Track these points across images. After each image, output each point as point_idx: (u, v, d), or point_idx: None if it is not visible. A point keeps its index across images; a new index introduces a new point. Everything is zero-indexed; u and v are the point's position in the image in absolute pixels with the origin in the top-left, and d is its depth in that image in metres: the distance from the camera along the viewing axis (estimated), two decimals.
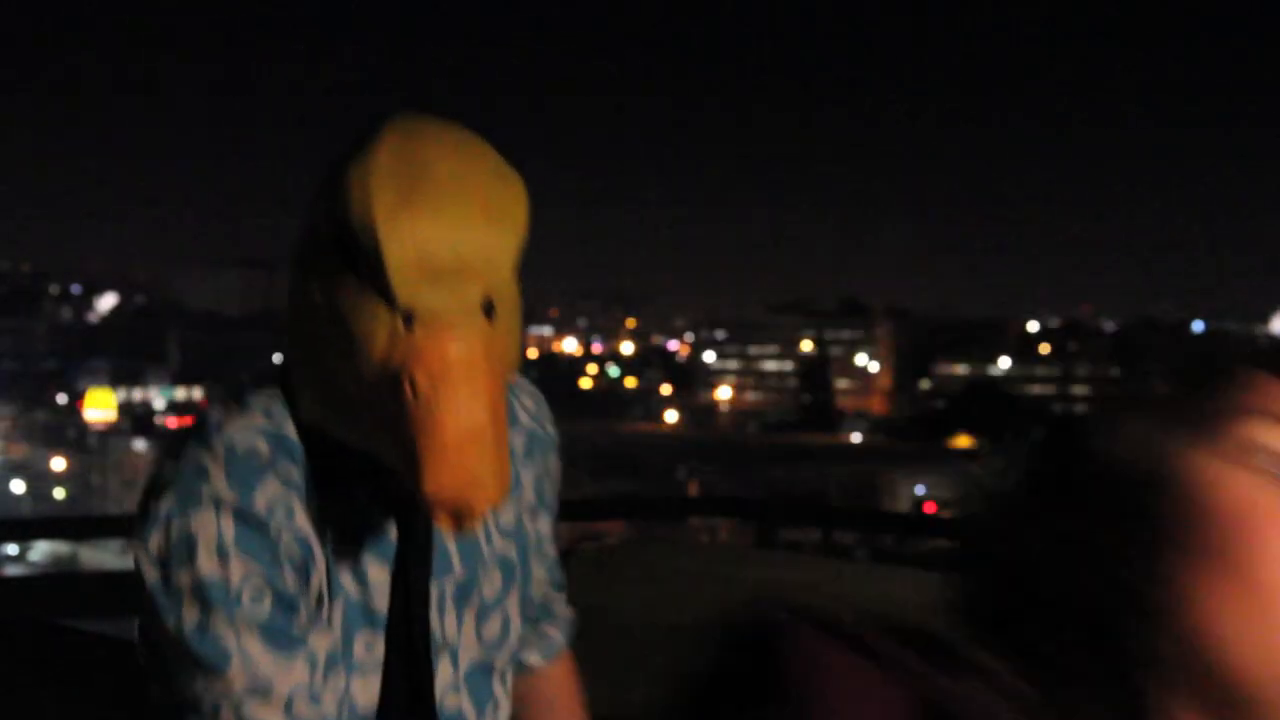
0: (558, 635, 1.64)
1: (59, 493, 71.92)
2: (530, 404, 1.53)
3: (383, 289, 1.19)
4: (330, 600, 1.31)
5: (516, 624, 1.48)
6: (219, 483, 1.28)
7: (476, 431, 1.18)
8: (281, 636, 1.27)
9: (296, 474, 1.30)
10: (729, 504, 7.58)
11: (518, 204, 1.25)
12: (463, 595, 1.41)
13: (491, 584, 1.44)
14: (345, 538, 1.32)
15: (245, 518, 1.27)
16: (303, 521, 1.30)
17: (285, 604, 1.28)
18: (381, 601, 1.34)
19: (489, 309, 1.21)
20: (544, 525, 1.54)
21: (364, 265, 1.20)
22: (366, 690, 1.34)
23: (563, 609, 1.65)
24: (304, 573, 1.30)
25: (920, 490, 57.34)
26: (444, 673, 1.40)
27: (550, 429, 1.54)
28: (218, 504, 1.27)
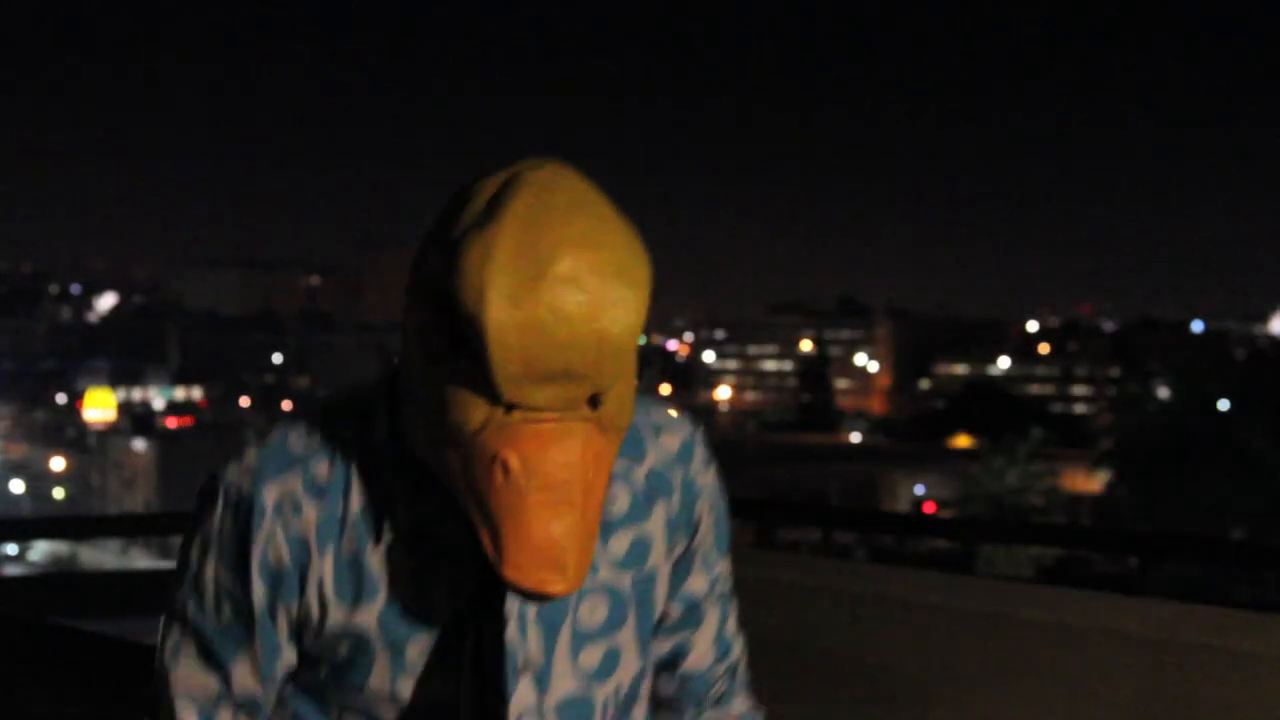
0: None
1: (58, 492, 71.81)
2: (673, 444, 1.45)
3: (486, 380, 1.18)
4: (329, 603, 1.32)
5: (633, 663, 1.42)
6: (239, 473, 1.33)
7: (564, 531, 1.20)
8: (224, 643, 1.33)
9: (329, 472, 1.32)
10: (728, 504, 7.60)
11: (638, 294, 1.21)
12: (550, 618, 1.36)
13: (593, 612, 1.38)
14: (405, 545, 1.32)
15: (241, 511, 1.32)
16: (309, 523, 1.31)
17: (237, 611, 1.32)
18: (433, 609, 1.32)
19: (594, 401, 1.22)
20: (695, 582, 1.48)
21: (471, 348, 1.18)
22: (424, 691, 1.33)
23: (743, 705, 1.55)
24: (286, 577, 1.31)
25: (920, 490, 57.26)
26: (524, 695, 1.35)
27: (700, 477, 1.46)
28: (226, 494, 1.33)
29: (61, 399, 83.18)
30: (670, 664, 1.51)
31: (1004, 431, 47.07)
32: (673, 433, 1.46)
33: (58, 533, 13.86)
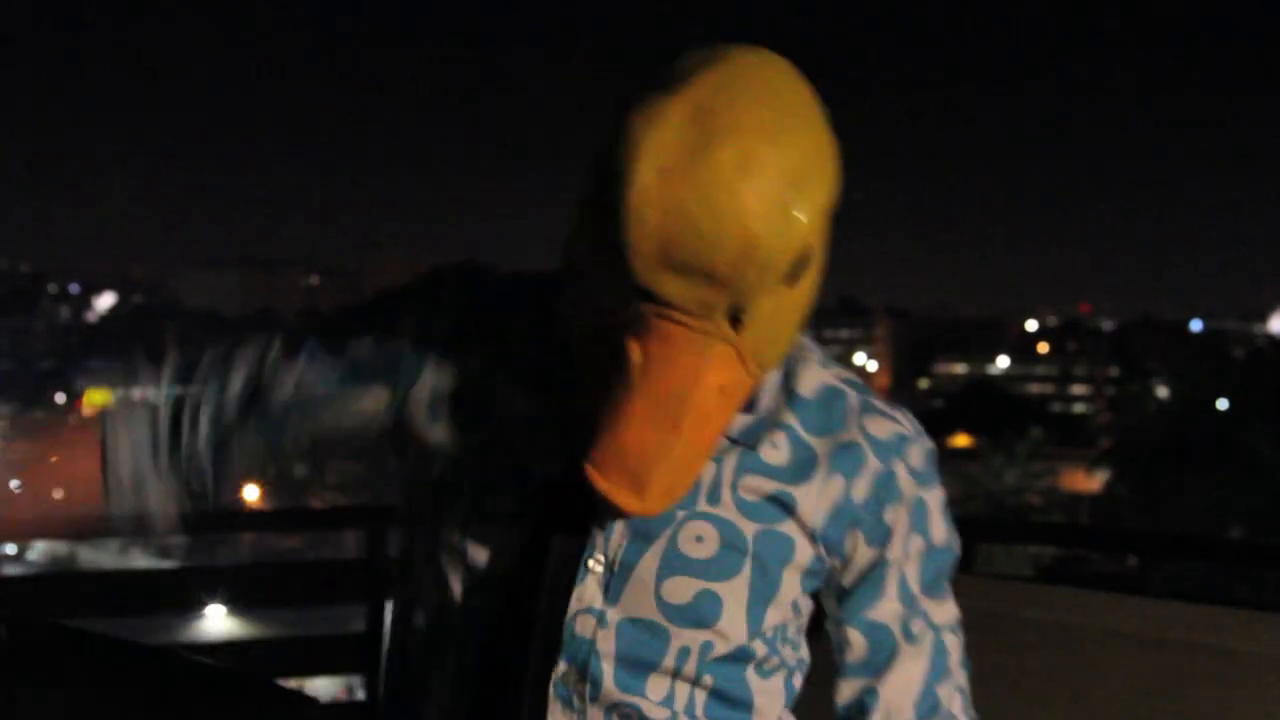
0: None
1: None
2: (884, 431, 1.29)
3: (621, 257, 1.08)
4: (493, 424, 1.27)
5: (737, 629, 1.23)
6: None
7: (656, 446, 1.10)
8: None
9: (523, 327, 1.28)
10: None
11: (808, 207, 1.09)
12: (643, 525, 1.21)
13: (700, 543, 1.21)
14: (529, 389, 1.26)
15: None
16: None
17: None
18: (525, 472, 1.24)
19: (735, 318, 1.11)
20: (885, 609, 1.28)
21: (610, 226, 1.08)
22: (489, 551, 1.24)
23: None
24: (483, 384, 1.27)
25: None
26: (589, 590, 1.22)
27: (908, 483, 1.28)
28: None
29: (60, 398, 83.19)
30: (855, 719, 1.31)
31: (1003, 431, 47.05)
32: (890, 422, 1.30)
33: (56, 532, 13.85)
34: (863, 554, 1.27)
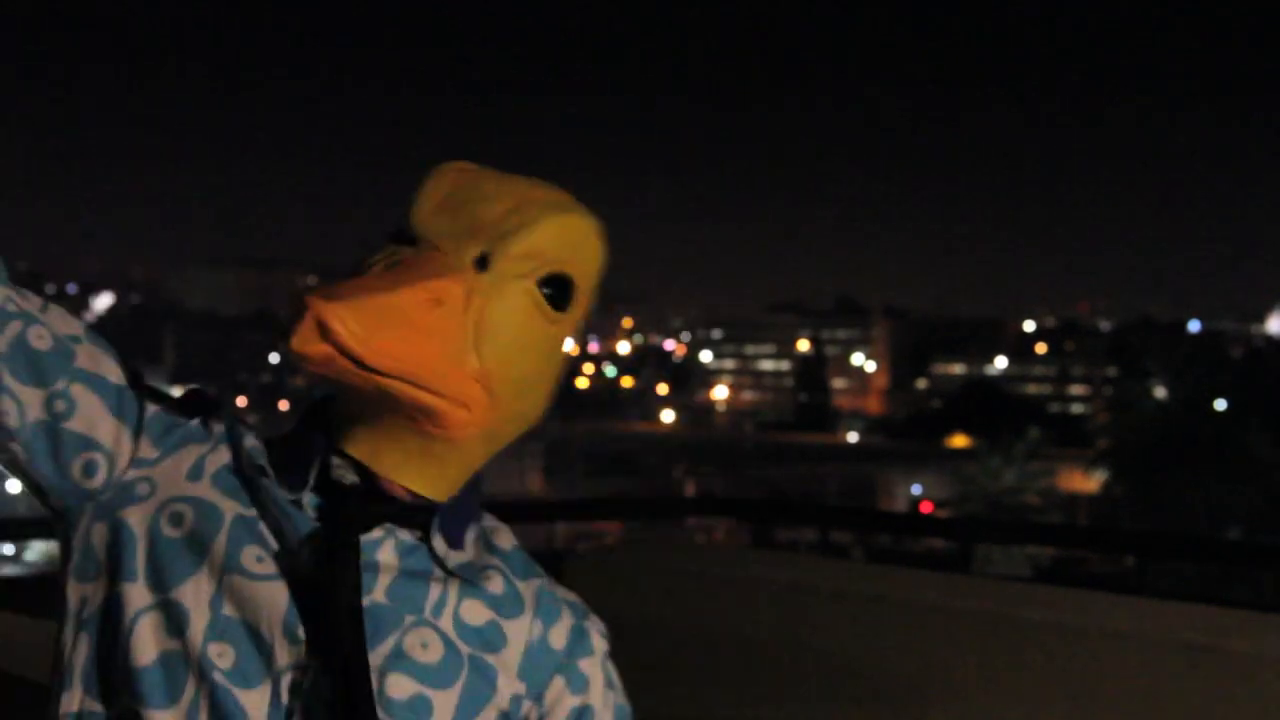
0: None
1: None
2: (571, 598, 1.39)
3: (409, 206, 1.27)
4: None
5: None
6: None
7: (374, 287, 1.18)
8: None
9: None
10: (726, 504, 7.60)
11: (578, 223, 1.29)
12: (371, 626, 1.25)
13: (425, 649, 1.26)
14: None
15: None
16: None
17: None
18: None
19: (482, 261, 1.23)
20: None
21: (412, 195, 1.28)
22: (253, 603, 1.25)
23: None
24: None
25: (917, 490, 57.31)
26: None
27: (594, 632, 1.38)
28: None
29: None
30: None
31: (1001, 431, 47.07)
32: (573, 595, 1.40)
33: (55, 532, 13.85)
34: (562, 702, 1.34)
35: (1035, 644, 2.81)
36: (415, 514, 1.28)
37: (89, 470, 1.29)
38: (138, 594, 1.25)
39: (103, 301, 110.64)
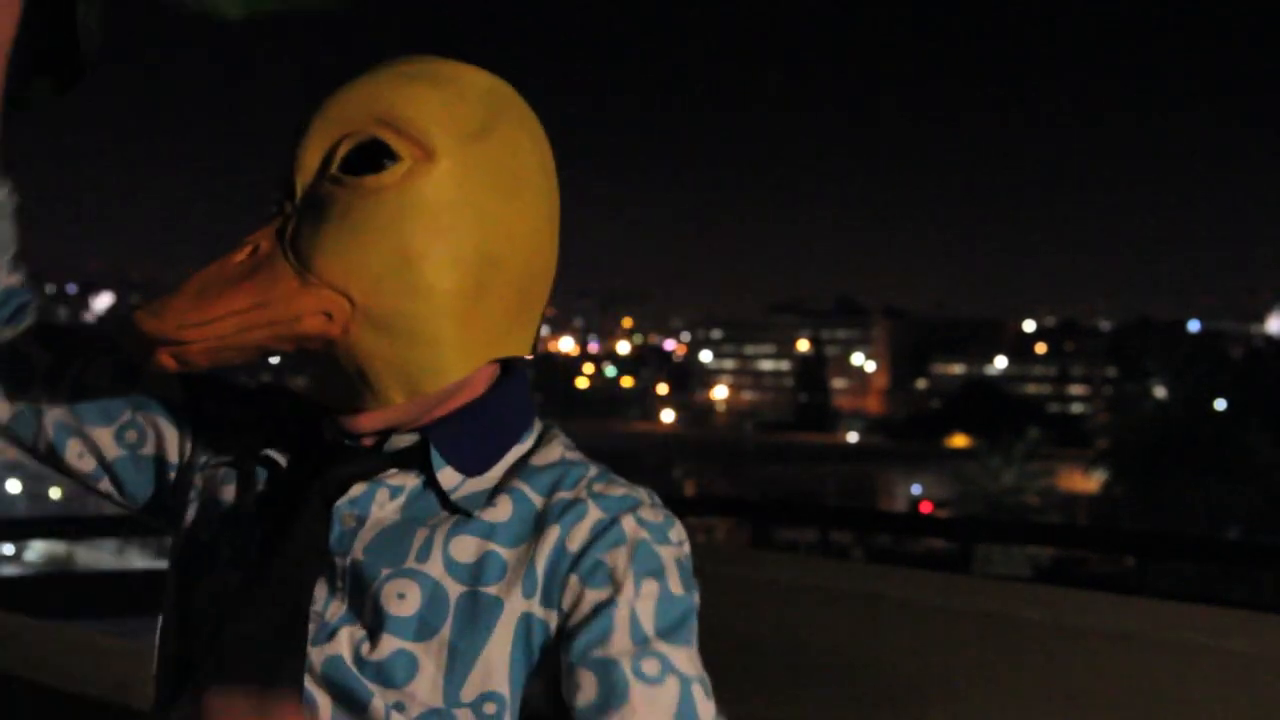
0: None
1: (55, 492, 71.80)
2: (614, 493, 1.23)
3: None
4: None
5: (431, 689, 1.16)
6: None
7: (190, 279, 1.16)
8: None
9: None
10: (726, 504, 7.63)
11: (336, 111, 1.20)
12: (356, 580, 1.20)
13: (402, 599, 1.18)
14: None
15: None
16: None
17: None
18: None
19: (289, 198, 1.20)
20: (616, 644, 1.17)
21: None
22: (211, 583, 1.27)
23: None
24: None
25: (916, 490, 57.34)
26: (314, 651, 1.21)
27: (630, 521, 1.21)
28: None
29: None
30: None
31: (1001, 431, 47.14)
32: (628, 490, 1.24)
33: (54, 532, 13.86)
34: (583, 599, 1.18)
35: (1035, 644, 2.81)
36: (391, 457, 1.23)
37: (167, 485, 1.36)
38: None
39: (103, 301, 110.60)
